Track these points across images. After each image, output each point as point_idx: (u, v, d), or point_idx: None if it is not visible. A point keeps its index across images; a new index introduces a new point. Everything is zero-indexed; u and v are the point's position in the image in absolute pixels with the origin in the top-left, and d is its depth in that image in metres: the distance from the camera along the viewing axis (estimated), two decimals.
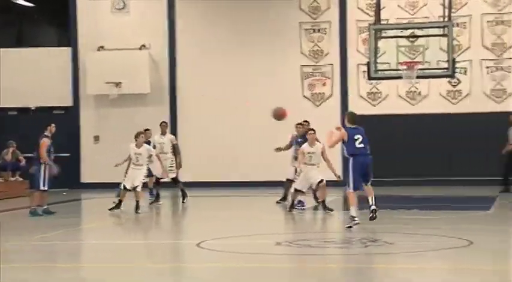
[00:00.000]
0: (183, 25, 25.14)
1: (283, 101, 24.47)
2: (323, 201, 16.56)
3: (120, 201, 17.52)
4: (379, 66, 18.54)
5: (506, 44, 23.49)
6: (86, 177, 25.17)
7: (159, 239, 14.08)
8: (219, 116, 24.84)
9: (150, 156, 17.90)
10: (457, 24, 22.76)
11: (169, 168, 18.71)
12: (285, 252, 12.04)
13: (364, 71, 22.24)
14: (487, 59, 23.57)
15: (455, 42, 20.99)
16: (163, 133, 19.44)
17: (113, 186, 23.88)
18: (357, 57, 24.11)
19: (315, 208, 17.24)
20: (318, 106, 24.65)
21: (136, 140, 17.86)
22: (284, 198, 18.13)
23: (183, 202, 19.13)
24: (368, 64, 18.52)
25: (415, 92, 23.99)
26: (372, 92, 24.32)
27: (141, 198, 17.63)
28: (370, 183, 14.07)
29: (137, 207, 17.30)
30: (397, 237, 13.19)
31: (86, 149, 25.32)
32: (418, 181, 22.08)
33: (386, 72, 18.97)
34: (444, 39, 17.97)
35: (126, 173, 17.75)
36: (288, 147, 17.86)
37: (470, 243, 12.22)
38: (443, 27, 18.08)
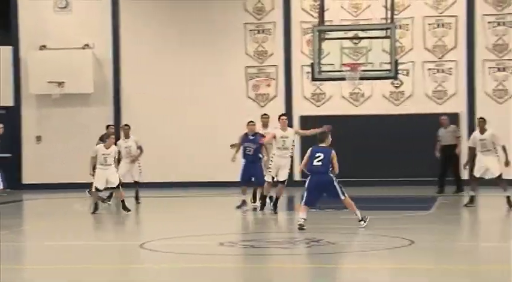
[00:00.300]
0: (127, 24, 24.98)
1: (228, 102, 24.65)
2: (276, 199, 16.68)
3: (97, 203, 17.41)
4: (323, 68, 18.63)
5: (447, 46, 23.85)
6: (27, 178, 24.83)
7: (103, 240, 13.97)
8: (165, 116, 24.74)
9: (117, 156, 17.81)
10: (400, 26, 23.04)
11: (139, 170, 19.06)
12: (228, 252, 12.03)
13: (308, 72, 22.35)
14: (428, 61, 23.90)
15: (397, 44, 21.23)
16: (126, 136, 19.32)
17: (56, 187, 23.75)
18: (301, 59, 24.24)
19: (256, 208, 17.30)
20: (262, 107, 24.68)
21: (105, 141, 17.71)
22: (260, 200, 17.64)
23: (139, 202, 19.15)
24: (312, 65, 18.60)
25: (358, 93, 24.21)
26: (316, 93, 24.47)
27: (123, 196, 17.47)
28: (344, 198, 14.04)
29: (124, 206, 17.21)
30: (340, 237, 13.30)
31: (28, 150, 24.98)
32: (360, 181, 22.25)
33: (330, 73, 19.07)
34: (387, 41, 18.13)
35: (93, 174, 17.54)
36: (239, 145, 17.84)
37: (412, 243, 12.38)
38: (386, 29, 18.25)
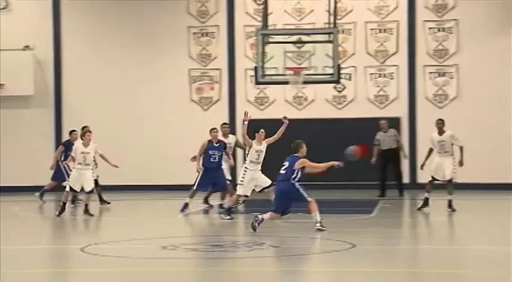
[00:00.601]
0: (68, 26, 24.69)
1: (171, 105, 24.54)
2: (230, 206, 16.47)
3: (65, 204, 17.07)
4: (266, 71, 18.65)
5: (389, 51, 24.11)
6: None
7: (44, 244, 13.75)
8: (106, 118, 24.50)
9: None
10: (343, 31, 23.23)
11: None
12: (170, 256, 11.96)
13: (251, 76, 22.38)
14: (370, 66, 24.14)
15: (340, 49, 21.39)
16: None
17: None
18: (244, 62, 24.26)
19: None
20: (205, 110, 24.67)
21: (82, 139, 17.33)
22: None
23: (107, 203, 18.99)
24: (255, 69, 18.62)
25: (301, 97, 24.33)
26: (259, 97, 24.51)
27: (91, 200, 17.25)
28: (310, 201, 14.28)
29: (87, 210, 16.94)
30: (282, 241, 13.33)
31: None
32: (305, 185, 22.32)
33: (273, 77, 19.09)
34: (330, 46, 18.24)
35: (68, 174, 17.44)
36: (200, 154, 17.66)
37: (353, 246, 12.46)
38: (329, 33, 18.37)
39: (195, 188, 17.44)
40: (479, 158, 22.11)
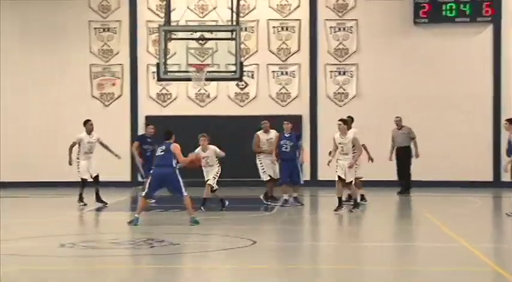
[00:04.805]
0: None
1: (71, 100, 24.15)
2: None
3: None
4: (169, 68, 18.57)
5: (291, 49, 24.35)
6: None
7: None
8: (8, 115, 23.98)
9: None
10: (245, 29, 23.34)
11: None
12: (68, 254, 11.78)
13: (153, 72, 22.25)
14: (273, 64, 24.32)
15: (243, 46, 21.48)
16: (89, 132, 18.51)
17: None
18: (147, 58, 24.11)
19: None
20: (107, 106, 24.39)
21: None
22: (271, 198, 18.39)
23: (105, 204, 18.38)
24: (158, 65, 18.52)
25: (204, 94, 24.33)
26: (162, 93, 24.39)
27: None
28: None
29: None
30: (182, 238, 13.30)
31: None
32: (201, 182, 22.34)
33: (176, 73, 19.02)
34: (232, 43, 18.29)
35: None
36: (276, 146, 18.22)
37: (254, 243, 12.54)
38: (232, 31, 18.42)
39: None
40: (374, 155, 22.77)
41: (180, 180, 14.71)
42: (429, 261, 11.14)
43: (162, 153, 14.88)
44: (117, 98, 24.45)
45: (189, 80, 19.14)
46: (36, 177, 23.53)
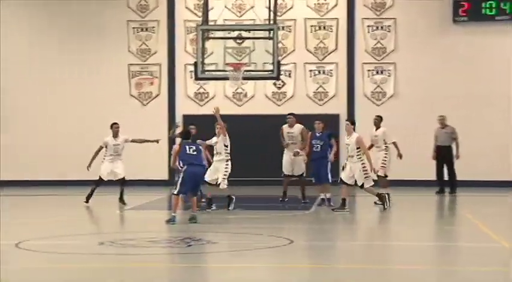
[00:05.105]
0: (6, 22, 24.31)
1: (110, 100, 24.34)
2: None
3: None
4: (206, 67, 18.62)
5: (328, 48, 24.30)
6: None
7: None
8: (46, 115, 24.27)
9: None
10: (283, 28, 23.35)
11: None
12: (107, 251, 11.88)
13: (191, 71, 22.33)
14: (310, 63, 24.29)
15: (280, 45, 21.49)
16: (116, 135, 18.68)
17: None
18: (184, 57, 24.21)
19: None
20: (145, 105, 24.55)
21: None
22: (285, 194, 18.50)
23: (125, 204, 18.42)
24: (195, 64, 18.58)
25: (241, 93, 24.37)
26: (199, 93, 24.48)
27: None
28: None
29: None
30: (220, 237, 13.34)
31: None
32: (244, 181, 22.39)
33: (213, 72, 19.09)
34: (270, 42, 18.29)
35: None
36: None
37: (291, 242, 12.54)
38: (269, 30, 18.42)
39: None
40: (411, 155, 22.68)
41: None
42: (469, 261, 11.07)
43: (195, 153, 15.04)
44: (155, 97, 24.59)
45: (226, 79, 19.18)
46: (72, 176, 23.70)
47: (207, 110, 24.14)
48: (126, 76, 24.53)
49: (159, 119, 24.22)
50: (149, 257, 11.60)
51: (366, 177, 16.40)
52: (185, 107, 24.37)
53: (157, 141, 18.78)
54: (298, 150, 18.25)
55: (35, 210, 18.28)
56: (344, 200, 16.57)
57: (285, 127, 18.75)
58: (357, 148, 16.49)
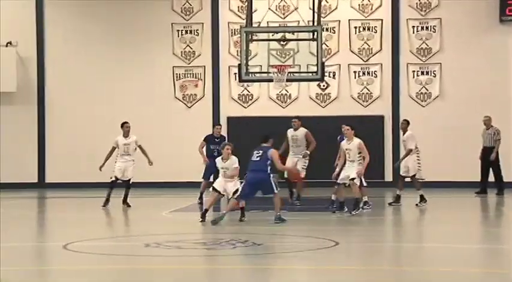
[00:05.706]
0: (52, 22, 24.63)
1: (155, 102, 24.49)
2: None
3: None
4: (250, 69, 18.66)
5: (373, 49, 24.17)
6: None
7: (23, 241, 13.68)
8: (90, 115, 24.48)
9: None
10: (327, 29, 23.28)
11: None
12: (154, 253, 11.95)
13: (235, 73, 22.38)
14: (354, 64, 24.19)
15: (324, 47, 21.43)
16: (127, 135, 18.80)
17: None
18: (228, 59, 24.28)
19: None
20: (189, 107, 24.65)
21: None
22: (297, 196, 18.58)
23: (128, 205, 18.55)
24: (239, 66, 18.61)
25: (285, 94, 24.36)
26: (243, 94, 24.52)
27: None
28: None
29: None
30: (264, 239, 13.34)
31: None
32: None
33: (257, 74, 19.13)
34: (314, 44, 18.25)
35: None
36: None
37: (336, 244, 12.49)
38: (313, 31, 18.38)
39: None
40: (457, 156, 22.51)
41: (273, 182, 15.05)
42: None
43: (258, 158, 15.07)
44: (200, 99, 24.69)
45: (270, 80, 19.20)
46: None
47: (251, 112, 24.22)
48: (171, 78, 24.67)
49: (203, 121, 24.30)
50: (195, 259, 11.64)
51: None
52: (229, 108, 24.43)
53: (151, 163, 18.55)
54: (308, 152, 18.28)
55: (81, 212, 18.46)
56: (357, 199, 16.62)
57: (290, 131, 18.67)
58: (359, 153, 16.54)
